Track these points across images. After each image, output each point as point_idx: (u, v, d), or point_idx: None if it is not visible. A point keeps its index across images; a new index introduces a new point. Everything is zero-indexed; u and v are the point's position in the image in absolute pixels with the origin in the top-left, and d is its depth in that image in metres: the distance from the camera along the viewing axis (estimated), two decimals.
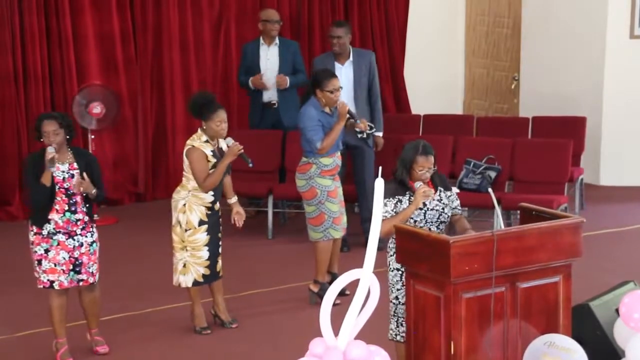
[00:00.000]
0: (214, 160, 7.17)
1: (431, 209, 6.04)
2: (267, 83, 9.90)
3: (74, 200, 6.69)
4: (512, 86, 12.40)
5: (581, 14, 11.47)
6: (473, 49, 12.88)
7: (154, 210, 10.72)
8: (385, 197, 5.95)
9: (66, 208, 6.68)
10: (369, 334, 5.43)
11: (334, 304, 5.15)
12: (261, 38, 10.11)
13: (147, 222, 10.22)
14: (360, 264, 5.13)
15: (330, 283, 7.60)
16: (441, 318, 5.60)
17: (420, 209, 6.00)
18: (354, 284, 5.18)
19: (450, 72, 12.91)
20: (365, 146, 9.14)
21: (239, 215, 7.40)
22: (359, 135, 8.55)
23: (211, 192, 7.22)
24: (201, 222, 7.20)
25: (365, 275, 5.10)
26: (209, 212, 7.23)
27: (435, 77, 12.69)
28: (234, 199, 7.44)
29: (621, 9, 11.16)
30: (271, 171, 10.00)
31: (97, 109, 10.02)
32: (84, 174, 6.66)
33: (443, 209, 6.07)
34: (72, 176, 6.67)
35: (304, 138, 7.83)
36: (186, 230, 7.20)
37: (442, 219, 6.07)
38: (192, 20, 11.11)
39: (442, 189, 6.11)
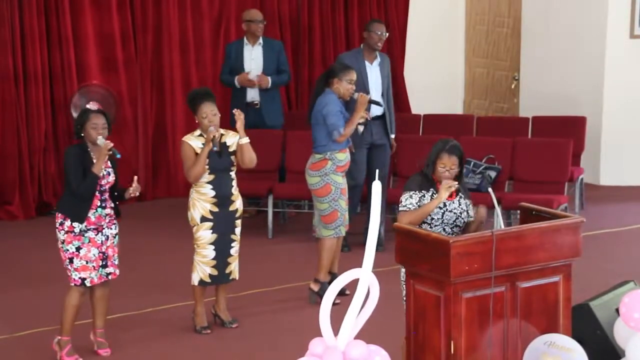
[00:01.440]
0: None
1: (449, 211, 6.05)
2: (254, 80, 9.93)
3: (105, 196, 6.77)
4: (512, 86, 12.40)
5: (581, 13, 11.47)
6: (473, 48, 12.88)
7: (155, 209, 10.73)
8: (411, 190, 6.01)
9: (98, 204, 6.74)
10: (369, 333, 5.44)
11: (334, 304, 5.15)
12: (245, 38, 10.13)
13: (148, 221, 10.22)
14: (360, 264, 5.13)
15: (330, 283, 7.60)
16: (441, 318, 5.59)
17: (440, 208, 6.02)
18: (354, 284, 5.18)
19: (451, 71, 12.91)
20: (388, 145, 9.19)
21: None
22: (360, 126, 8.51)
23: (210, 187, 7.19)
24: (204, 219, 7.20)
25: (364, 275, 5.10)
26: (216, 210, 7.21)
27: (436, 76, 12.69)
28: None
29: (621, 8, 11.16)
30: (271, 171, 10.00)
31: (94, 108, 9.97)
32: (136, 178, 6.82)
33: (461, 213, 6.08)
34: (109, 174, 6.76)
35: (320, 127, 7.80)
36: (193, 227, 7.24)
37: (458, 223, 6.07)
38: (192, 20, 11.11)
39: (462, 196, 6.13)
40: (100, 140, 6.71)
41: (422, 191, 6.04)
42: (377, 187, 5.19)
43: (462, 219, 6.09)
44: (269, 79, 9.95)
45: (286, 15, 11.50)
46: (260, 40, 10.12)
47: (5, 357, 7.03)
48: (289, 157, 9.92)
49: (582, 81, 11.49)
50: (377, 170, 5.54)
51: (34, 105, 10.34)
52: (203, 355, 7.06)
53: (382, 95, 9.10)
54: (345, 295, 7.27)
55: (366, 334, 5.32)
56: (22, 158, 10.35)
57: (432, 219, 6.02)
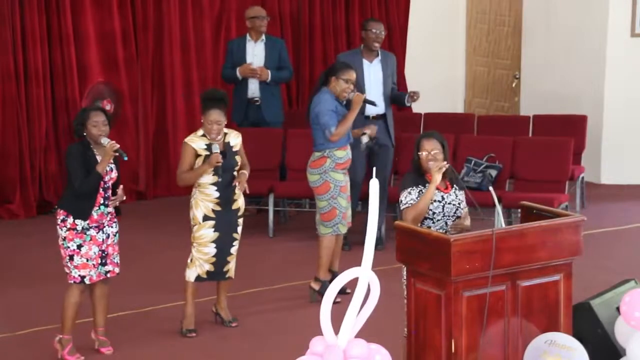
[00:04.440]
0: (205, 153, 7.15)
1: (449, 203, 6.08)
2: (257, 70, 9.93)
3: (108, 194, 6.79)
4: (513, 84, 12.41)
5: (582, 12, 11.47)
6: (474, 47, 12.88)
7: (155, 208, 10.73)
8: (408, 187, 6.04)
9: (101, 201, 6.77)
10: (370, 332, 5.43)
11: (335, 302, 5.15)
12: (248, 35, 10.14)
13: (148, 220, 10.23)
14: (361, 263, 5.13)
15: (331, 281, 7.60)
16: (442, 316, 5.59)
17: (439, 202, 6.04)
18: (355, 282, 5.18)
19: (451, 70, 12.91)
20: (390, 145, 9.23)
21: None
22: (365, 143, 8.44)
23: (214, 188, 7.18)
24: (206, 218, 7.18)
25: (364, 274, 5.10)
26: (219, 210, 7.20)
27: (436, 75, 12.69)
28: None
29: (622, 7, 11.16)
30: (272, 169, 10.00)
31: (107, 106, 10.04)
32: (121, 188, 6.82)
33: (459, 204, 6.12)
34: (111, 170, 6.77)
35: (317, 126, 7.82)
36: (194, 226, 7.23)
37: (458, 214, 6.12)
38: (192, 18, 11.12)
39: (456, 187, 6.16)
40: (105, 140, 6.72)
41: (419, 186, 6.06)
42: (374, 185, 5.19)
43: (461, 209, 6.12)
44: (269, 72, 9.95)
45: (287, 14, 11.50)
46: (263, 37, 10.12)
47: (6, 355, 7.03)
48: (290, 155, 9.92)
49: (583, 80, 11.49)
50: (374, 168, 5.53)
51: (35, 104, 10.34)
52: (203, 353, 7.06)
53: (384, 94, 9.11)
54: (345, 293, 7.26)
55: (367, 333, 5.32)
56: (23, 157, 10.36)
57: (434, 213, 6.04)
